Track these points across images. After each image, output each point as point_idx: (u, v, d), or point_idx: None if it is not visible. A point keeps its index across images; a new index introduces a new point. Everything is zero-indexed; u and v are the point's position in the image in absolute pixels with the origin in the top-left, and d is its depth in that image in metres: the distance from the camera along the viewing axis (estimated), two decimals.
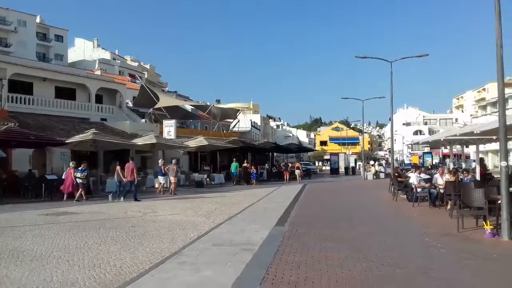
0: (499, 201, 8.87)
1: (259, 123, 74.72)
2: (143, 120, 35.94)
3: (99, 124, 29.89)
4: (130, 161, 18.45)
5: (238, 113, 48.12)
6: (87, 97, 34.04)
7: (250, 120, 65.72)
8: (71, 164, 18.71)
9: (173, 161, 22.81)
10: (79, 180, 17.99)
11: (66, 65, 50.81)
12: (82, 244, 8.50)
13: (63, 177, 18.73)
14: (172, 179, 21.48)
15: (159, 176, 22.36)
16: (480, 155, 23.90)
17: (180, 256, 7.36)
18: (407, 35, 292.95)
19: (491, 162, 63.68)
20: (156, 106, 36.87)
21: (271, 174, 37.44)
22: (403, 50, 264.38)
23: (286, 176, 34.60)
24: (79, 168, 18.26)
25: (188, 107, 47.83)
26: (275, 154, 52.20)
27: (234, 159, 31.14)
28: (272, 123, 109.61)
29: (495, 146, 45.36)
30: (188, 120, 49.01)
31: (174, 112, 39.03)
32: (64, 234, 9.70)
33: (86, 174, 18.41)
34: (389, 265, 6.60)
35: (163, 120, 33.93)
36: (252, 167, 31.89)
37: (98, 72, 43.33)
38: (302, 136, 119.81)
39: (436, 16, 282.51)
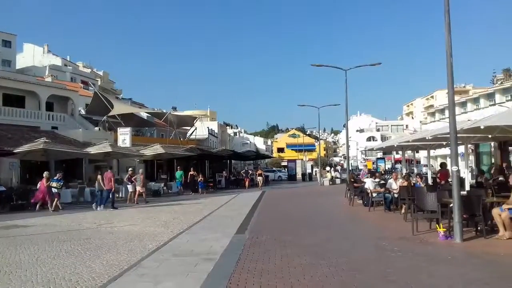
0: (451, 205, 9.22)
1: (216, 131, 74.45)
2: (96, 128, 34.91)
3: (50, 133, 28.81)
4: (109, 170, 19.24)
5: (195, 121, 47.71)
6: (37, 104, 32.73)
7: (208, 127, 65.38)
8: (44, 174, 18.39)
9: (140, 170, 22.77)
10: (54, 190, 17.83)
11: (15, 71, 48.54)
12: (35, 259, 8.09)
13: (37, 186, 18.42)
14: (139, 188, 21.41)
15: (128, 186, 22.31)
16: (431, 160, 24.81)
17: (139, 268, 7.15)
18: (362, 44, 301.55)
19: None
20: (110, 114, 35.88)
21: (230, 181, 37.31)
22: (357, 59, 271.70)
23: (247, 183, 35.27)
24: (55, 178, 18.22)
25: (144, 114, 46.92)
26: (233, 161, 52.11)
27: (178, 167, 30.02)
28: (230, 130, 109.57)
29: (443, 151, 47.42)
30: (143, 128, 48.07)
31: (129, 119, 38.13)
32: (15, 248, 9.22)
33: (62, 183, 18.34)
34: (349, 270, 6.69)
35: (118, 128, 33.07)
36: (200, 175, 30.35)
37: (48, 79, 41.65)
38: (259, 143, 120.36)
39: (388, 27, 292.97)
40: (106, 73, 77.07)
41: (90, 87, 50.82)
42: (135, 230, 11.78)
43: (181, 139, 44.86)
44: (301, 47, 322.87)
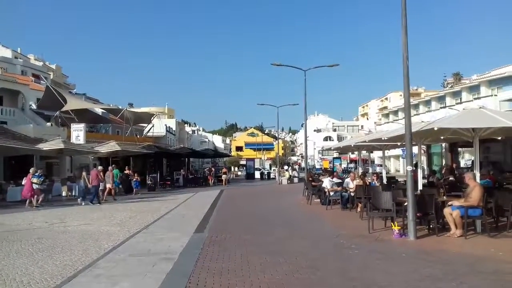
0: (405, 203, 9.52)
1: (174, 128, 73.48)
2: (48, 124, 33.55)
3: None
4: (95, 168, 20.41)
5: (152, 118, 46.87)
6: None
7: (165, 125, 64.39)
8: (31, 170, 18.57)
9: (110, 167, 22.49)
10: (35, 186, 17.99)
11: None
12: None
13: (23, 183, 18.67)
14: (109, 186, 21.58)
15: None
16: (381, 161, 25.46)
17: (94, 268, 6.92)
18: (322, 46, 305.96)
19: (393, 166, 68.71)
20: (63, 109, 34.62)
21: (188, 179, 36.96)
22: (318, 60, 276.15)
23: (210, 181, 37.31)
24: (36, 174, 18.30)
25: (99, 110, 45.60)
26: (191, 159, 51.61)
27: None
28: (188, 128, 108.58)
29: (396, 152, 49.02)
30: (98, 124, 46.71)
31: (83, 115, 36.88)
32: None
33: (42, 179, 18.57)
34: (308, 268, 6.77)
35: (71, 124, 31.88)
36: (136, 174, 27.70)
37: None
38: (218, 141, 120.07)
39: (346, 29, 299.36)
40: (59, 67, 74.22)
41: (42, 81, 48.80)
42: (90, 230, 11.41)
43: (138, 136, 43.97)
44: (262, 47, 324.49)
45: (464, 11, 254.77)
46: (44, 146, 22.77)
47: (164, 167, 42.58)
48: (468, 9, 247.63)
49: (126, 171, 28.40)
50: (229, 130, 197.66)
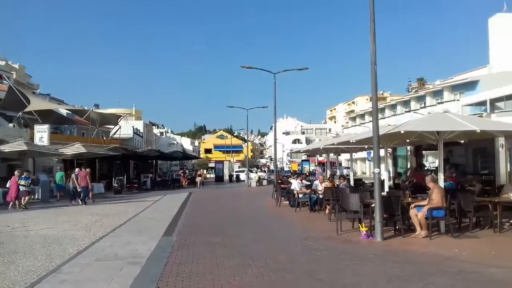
0: (372, 205, 9.69)
1: (142, 130, 72.34)
2: (10, 125, 32.33)
3: None
4: (83, 169, 20.85)
5: (119, 119, 45.97)
6: None
7: (133, 126, 63.32)
8: (16, 172, 18.82)
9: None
10: (22, 188, 18.20)
11: None
12: None
13: (7, 185, 18.62)
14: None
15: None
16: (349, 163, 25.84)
17: (59, 274, 6.70)
18: (292, 50, 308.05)
19: (359, 168, 69.94)
20: (27, 110, 33.46)
21: (156, 182, 36.47)
22: (287, 64, 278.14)
23: (185, 183, 39.56)
24: (22, 176, 18.52)
25: (63, 111, 44.38)
26: (159, 162, 50.94)
27: (58, 168, 26.06)
28: (156, 130, 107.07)
29: (363, 154, 49.92)
30: (63, 126, 45.43)
31: (47, 116, 35.75)
32: None
33: (30, 181, 18.93)
34: (278, 270, 6.78)
35: (35, 125, 30.91)
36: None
37: None
38: (186, 143, 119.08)
39: (315, 33, 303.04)
40: (22, 67, 71.81)
41: (4, 81, 47.10)
42: (53, 234, 11.05)
43: (104, 138, 43.02)
44: (231, 49, 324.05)
45: (428, 19, 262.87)
46: (6, 148, 21.93)
47: (131, 170, 41.85)
48: (433, 18, 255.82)
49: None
50: (198, 133, 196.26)
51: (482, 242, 9.09)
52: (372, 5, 9.30)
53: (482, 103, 35.76)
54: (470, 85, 42.89)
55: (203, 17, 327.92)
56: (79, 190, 20.38)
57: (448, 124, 9.81)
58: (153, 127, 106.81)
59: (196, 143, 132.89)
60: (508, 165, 14.53)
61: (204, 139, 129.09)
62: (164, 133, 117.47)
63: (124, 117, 48.47)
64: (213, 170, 61.14)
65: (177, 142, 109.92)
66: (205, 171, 73.72)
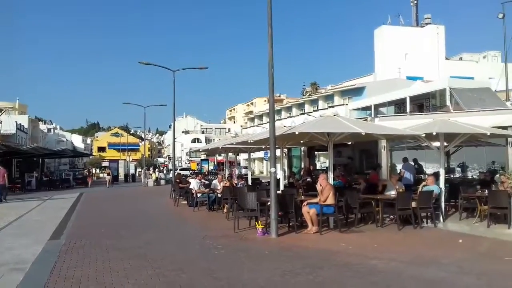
0: (268, 203, 10.03)
1: (26, 126, 66.67)
2: None
3: None
4: (1, 168, 20.61)
5: (0, 114, 41.85)
6: None
7: (16, 121, 58.10)
8: None
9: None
10: None
11: None
12: None
13: None
14: None
15: None
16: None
17: None
18: (192, 48, 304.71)
19: (257, 168, 71.82)
20: None
21: (42, 182, 33.79)
22: (187, 62, 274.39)
23: (90, 181, 38.53)
24: None
25: None
26: (46, 160, 47.29)
27: None
28: (43, 126, 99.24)
29: (260, 154, 51.38)
30: None
31: None
32: None
33: None
34: (174, 270, 6.72)
35: None
36: None
37: None
38: (77, 141, 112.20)
39: (217, 33, 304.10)
40: None
41: None
42: None
43: None
44: (129, 42, 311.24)
45: (320, 25, 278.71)
46: None
47: (14, 169, 38.27)
48: (324, 24, 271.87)
49: None
50: (90, 130, 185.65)
51: (366, 236, 9.89)
52: (269, 10, 9.61)
53: (367, 108, 38.80)
54: (358, 91, 46.37)
55: (102, 6, 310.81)
56: None
57: (337, 127, 10.46)
58: (40, 122, 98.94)
59: (89, 141, 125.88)
60: (389, 164, 15.94)
61: (97, 137, 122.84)
62: (52, 130, 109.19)
63: (6, 111, 44.28)
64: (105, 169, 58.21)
65: (67, 140, 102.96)
66: (97, 170, 69.95)
